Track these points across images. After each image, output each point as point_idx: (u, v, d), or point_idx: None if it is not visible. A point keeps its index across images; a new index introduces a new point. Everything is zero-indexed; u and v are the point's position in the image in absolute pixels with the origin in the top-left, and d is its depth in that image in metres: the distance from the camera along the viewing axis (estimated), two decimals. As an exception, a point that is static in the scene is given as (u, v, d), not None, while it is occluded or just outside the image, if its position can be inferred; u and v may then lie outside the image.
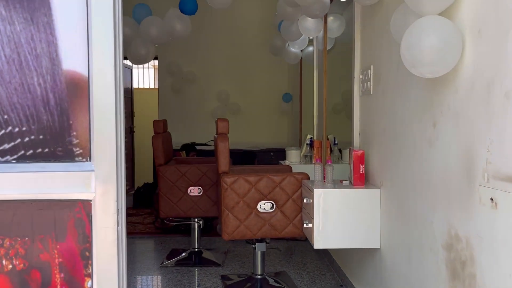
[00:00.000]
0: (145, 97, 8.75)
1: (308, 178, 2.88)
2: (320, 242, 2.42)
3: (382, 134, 2.41)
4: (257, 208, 2.82)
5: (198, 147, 6.16)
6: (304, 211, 2.74)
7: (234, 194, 2.78)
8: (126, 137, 6.59)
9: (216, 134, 3.04)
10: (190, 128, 6.93)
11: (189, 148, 5.75)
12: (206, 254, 3.82)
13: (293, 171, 3.50)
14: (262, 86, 6.99)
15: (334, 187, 2.47)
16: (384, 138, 2.38)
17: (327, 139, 3.96)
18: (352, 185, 2.54)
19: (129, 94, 7.59)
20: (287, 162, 4.01)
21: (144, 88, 9.07)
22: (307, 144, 4.06)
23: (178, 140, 6.88)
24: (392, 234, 2.28)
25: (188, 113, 6.95)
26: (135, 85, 8.29)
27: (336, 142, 4.00)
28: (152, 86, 9.34)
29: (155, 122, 3.70)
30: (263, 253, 3.09)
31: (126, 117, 6.66)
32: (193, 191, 3.52)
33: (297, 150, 4.04)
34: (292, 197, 2.84)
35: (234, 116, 6.94)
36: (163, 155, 3.56)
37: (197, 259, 3.76)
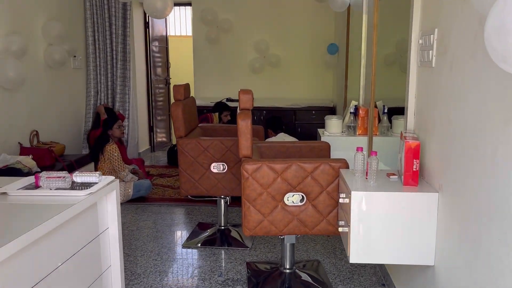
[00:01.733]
0: (181, 45, 8.26)
1: (347, 167, 2.36)
2: (357, 255, 1.95)
3: (447, 122, 1.82)
4: (283, 201, 2.36)
5: (233, 104, 5.68)
6: (340, 209, 2.26)
7: (257, 184, 2.33)
8: (162, 89, 6.22)
9: (239, 108, 2.55)
10: (226, 82, 6.44)
11: (222, 107, 5.28)
12: (234, 233, 3.47)
13: (331, 148, 2.98)
14: (305, 35, 6.28)
15: (379, 189, 1.95)
16: (449, 128, 1.79)
17: (375, 106, 3.36)
18: (402, 183, 2.00)
19: (164, 43, 7.14)
20: (326, 133, 3.48)
21: (180, 36, 8.55)
22: (350, 112, 3.48)
23: (211, 95, 6.44)
24: (451, 252, 1.76)
25: (224, 65, 6.42)
26: (170, 33, 7.79)
27: (385, 110, 3.40)
28: (189, 33, 8.79)
29: (175, 87, 3.24)
30: (292, 245, 2.68)
31: (161, 67, 6.24)
32: (216, 167, 3.11)
33: (339, 119, 3.48)
34: (326, 189, 2.36)
35: (273, 69, 6.34)
36: (183, 126, 3.14)
37: (223, 238, 3.43)
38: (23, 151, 3.63)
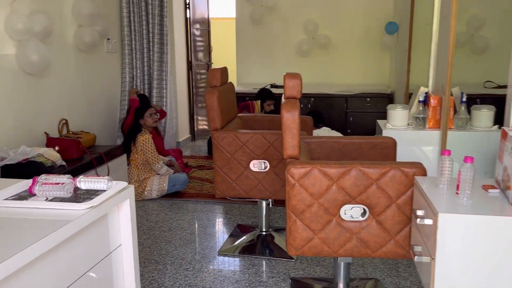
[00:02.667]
0: (224, 28, 7.82)
1: (425, 173, 1.82)
2: (443, 298, 1.43)
3: None
4: (339, 215, 1.86)
5: (278, 91, 5.18)
6: (415, 229, 1.73)
7: (306, 192, 1.85)
8: (203, 74, 5.84)
9: (284, 97, 2.06)
10: (270, 66, 5.93)
11: (265, 95, 4.79)
12: (278, 240, 3.01)
13: (397, 144, 2.43)
14: (359, 13, 5.63)
15: (478, 210, 1.41)
16: None
17: (451, 94, 2.76)
18: (509, 202, 1.45)
19: (206, 26, 6.73)
20: (388, 126, 2.91)
21: (222, 18, 8.10)
22: (419, 101, 2.89)
23: (255, 80, 5.96)
24: None
25: (268, 48, 5.91)
26: (212, 15, 7.36)
27: (464, 99, 2.79)
28: (232, 15, 8.32)
29: (210, 72, 2.80)
30: (348, 264, 2.19)
31: (202, 52, 5.85)
32: (257, 166, 2.65)
33: (404, 109, 2.90)
34: (396, 201, 1.83)
35: (323, 51, 5.76)
36: (219, 116, 2.69)
37: (264, 245, 2.98)
38: (49, 141, 3.34)
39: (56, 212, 1.43)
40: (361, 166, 1.83)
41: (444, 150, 1.60)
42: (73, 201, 1.50)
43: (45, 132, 3.43)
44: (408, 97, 4.14)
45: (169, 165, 4.25)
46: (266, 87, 5.33)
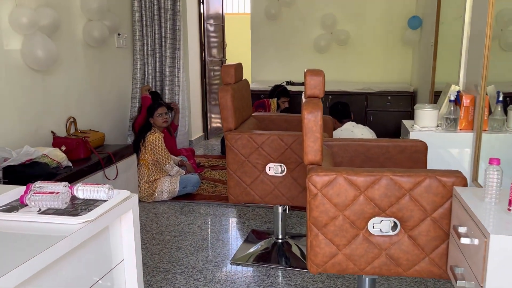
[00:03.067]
0: (238, 24, 7.63)
1: (465, 183, 1.60)
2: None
3: None
4: (367, 229, 1.66)
5: (294, 89, 4.97)
6: (455, 248, 1.52)
7: (329, 203, 1.65)
8: (217, 71, 5.65)
9: (304, 95, 1.86)
10: (286, 63, 5.73)
11: (279, 92, 4.59)
12: (294, 248, 2.82)
13: (428, 149, 2.21)
14: (380, 7, 5.38)
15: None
16: None
17: (486, 93, 2.53)
18: None
19: (220, 21, 6.54)
20: (416, 127, 2.69)
21: (237, 13, 7.91)
22: (450, 100, 2.66)
23: (270, 77, 5.76)
24: None
25: (284, 44, 5.70)
26: (227, 10, 7.17)
27: (500, 99, 2.55)
28: (247, 10, 8.13)
29: (224, 68, 2.61)
30: (373, 280, 1.98)
31: (216, 48, 5.66)
32: (273, 169, 2.46)
33: (434, 109, 2.67)
34: (432, 215, 1.62)
35: (341, 47, 5.53)
36: (233, 116, 2.50)
37: (280, 254, 2.79)
38: (56, 141, 3.20)
39: (48, 227, 1.26)
40: (393, 175, 1.62)
41: (492, 159, 1.39)
42: (68, 214, 1.33)
43: (52, 131, 3.30)
44: (434, 96, 3.90)
45: (181, 165, 4.09)
46: (282, 84, 5.13)
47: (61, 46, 3.41)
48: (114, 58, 4.22)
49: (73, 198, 1.46)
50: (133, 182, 3.66)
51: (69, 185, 1.47)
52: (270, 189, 2.50)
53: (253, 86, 5.24)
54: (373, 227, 1.66)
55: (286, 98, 4.54)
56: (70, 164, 2.97)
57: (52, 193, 1.38)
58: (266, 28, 5.75)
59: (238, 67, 2.69)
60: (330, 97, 5.04)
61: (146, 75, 4.64)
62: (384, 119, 4.89)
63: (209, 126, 6.26)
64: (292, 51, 5.69)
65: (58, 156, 2.87)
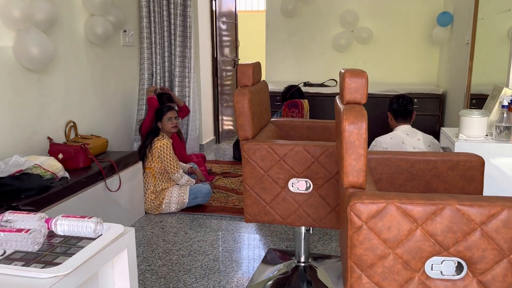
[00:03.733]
0: (252, 22, 7.30)
1: (556, 217, 1.24)
2: None
3: None
4: (424, 271, 1.31)
5: (312, 90, 4.62)
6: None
7: (377, 239, 1.30)
8: (229, 71, 5.31)
9: (341, 101, 1.51)
10: (303, 63, 5.38)
11: (294, 94, 4.22)
12: (321, 273, 2.47)
13: (485, 164, 1.85)
14: (405, 2, 5.01)
15: None
16: None
17: (547, 98, 2.15)
18: None
19: (233, 19, 6.22)
20: (462, 136, 2.33)
21: (251, 11, 7.57)
22: (502, 106, 2.29)
23: (286, 78, 5.41)
24: None
25: (302, 42, 5.35)
26: (240, 7, 6.84)
27: None
28: (261, 7, 7.79)
29: (240, 68, 2.27)
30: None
31: (229, 47, 5.32)
32: (297, 186, 2.11)
33: (483, 116, 2.30)
34: (510, 256, 1.27)
35: (363, 46, 5.17)
36: (251, 123, 2.17)
37: (302, 280, 2.45)
38: (52, 148, 2.89)
39: (10, 281, 0.94)
40: (459, 204, 1.27)
41: None
42: (39, 261, 1.00)
43: (48, 137, 2.99)
44: (470, 99, 3.52)
45: (190, 173, 3.77)
46: (298, 85, 4.79)
47: (60, 43, 3.10)
48: (119, 57, 3.91)
49: (51, 234, 1.14)
50: (139, 193, 3.34)
51: (46, 217, 1.15)
52: (293, 208, 2.15)
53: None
54: (432, 268, 1.31)
55: (302, 100, 4.19)
56: (67, 175, 2.66)
57: (20, 230, 1.05)
58: (282, 25, 5.40)
59: (256, 66, 2.35)
60: (351, 99, 4.68)
61: (154, 75, 4.32)
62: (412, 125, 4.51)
63: (220, 129, 5.94)
64: (310, 50, 5.33)
65: (52, 166, 2.56)
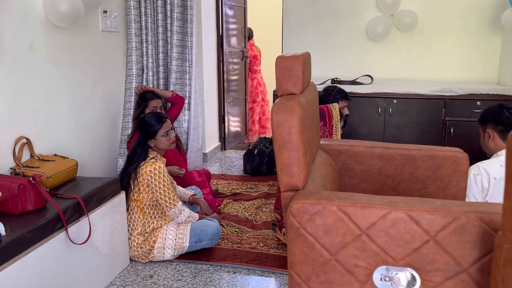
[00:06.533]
0: (265, 6, 6.30)
1: None
2: None
3: None
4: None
5: (347, 89, 3.62)
6: None
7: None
8: (237, 64, 4.33)
9: None
10: (330, 55, 4.39)
11: (336, 94, 3.23)
12: None
13: None
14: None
15: None
16: None
17: None
18: None
19: (242, 3, 5.22)
20: None
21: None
22: None
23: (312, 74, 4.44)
24: None
25: (328, 30, 4.36)
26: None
27: None
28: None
29: (281, 62, 1.29)
30: None
31: (236, 36, 4.33)
32: (392, 280, 1.15)
33: None
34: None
35: (405, 34, 4.18)
36: (302, 161, 1.18)
37: None
38: (-12, 181, 1.94)
39: None
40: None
41: None
42: None
43: (-17, 164, 2.03)
44: None
45: (192, 202, 2.82)
46: (335, 84, 3.83)
47: (6, 26, 2.14)
48: (98, 47, 2.94)
49: None
50: (122, 234, 2.40)
51: None
52: None
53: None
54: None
55: (347, 101, 3.20)
56: (1, 229, 1.70)
57: None
58: (303, 9, 4.41)
59: (307, 60, 1.38)
60: (395, 101, 3.72)
61: (145, 70, 3.35)
62: (470, 132, 3.56)
63: (226, 131, 4.99)
64: (338, 40, 4.35)
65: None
